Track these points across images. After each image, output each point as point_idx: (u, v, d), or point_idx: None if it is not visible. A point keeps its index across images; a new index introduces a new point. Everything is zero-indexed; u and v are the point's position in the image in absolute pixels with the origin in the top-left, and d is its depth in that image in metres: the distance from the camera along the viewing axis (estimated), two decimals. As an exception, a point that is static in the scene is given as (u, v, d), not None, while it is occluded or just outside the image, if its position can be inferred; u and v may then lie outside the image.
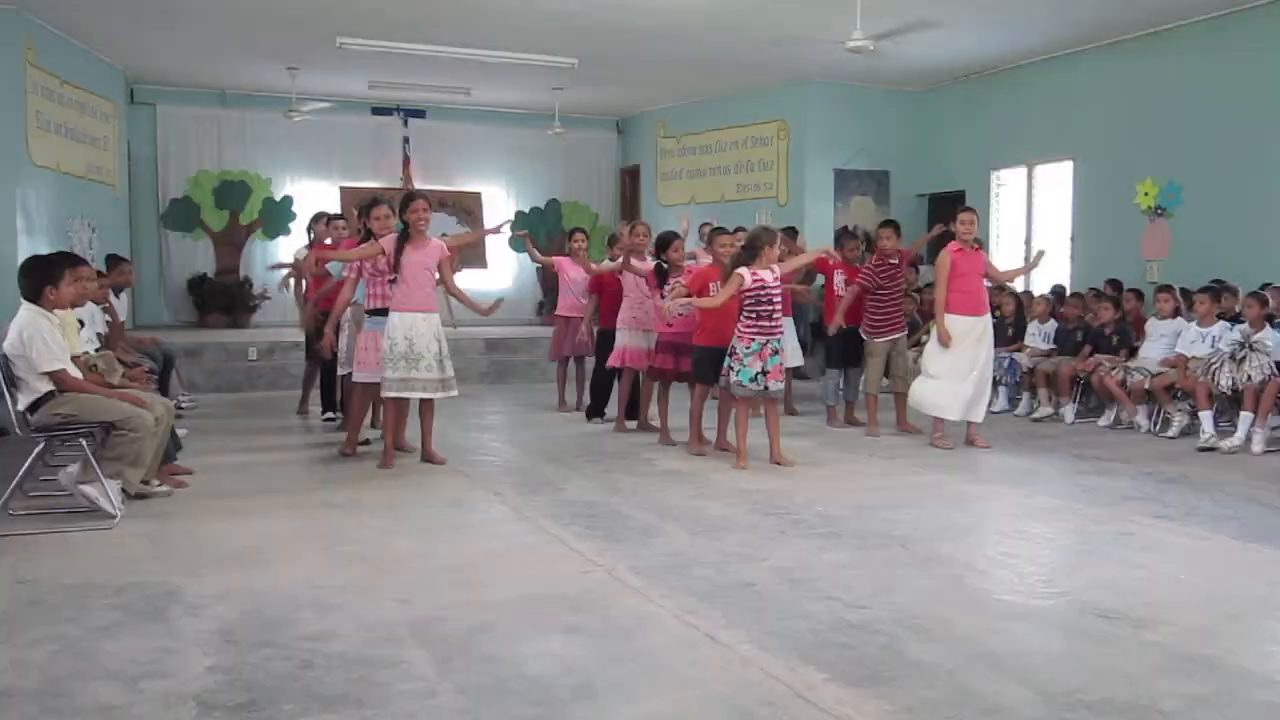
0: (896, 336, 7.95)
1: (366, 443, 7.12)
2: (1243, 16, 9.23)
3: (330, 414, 8.39)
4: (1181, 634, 3.55)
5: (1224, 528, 5.05)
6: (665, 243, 7.62)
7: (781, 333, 6.62)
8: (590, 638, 3.52)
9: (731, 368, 6.50)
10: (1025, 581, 4.23)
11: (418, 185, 14.57)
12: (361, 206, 7.10)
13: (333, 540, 4.78)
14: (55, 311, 5.19)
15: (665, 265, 7.56)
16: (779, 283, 6.59)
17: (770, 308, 6.47)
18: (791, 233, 10.16)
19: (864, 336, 8.05)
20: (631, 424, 8.04)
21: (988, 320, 7.36)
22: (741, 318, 6.53)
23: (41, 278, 5.17)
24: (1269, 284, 8.19)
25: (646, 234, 8.00)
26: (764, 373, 6.45)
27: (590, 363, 8.84)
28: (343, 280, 7.17)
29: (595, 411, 8.56)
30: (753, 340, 6.47)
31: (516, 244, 15.28)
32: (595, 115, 15.41)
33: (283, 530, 4.97)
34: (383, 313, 6.48)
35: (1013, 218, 11.99)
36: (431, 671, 3.21)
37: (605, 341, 8.29)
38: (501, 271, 15.10)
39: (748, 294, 6.47)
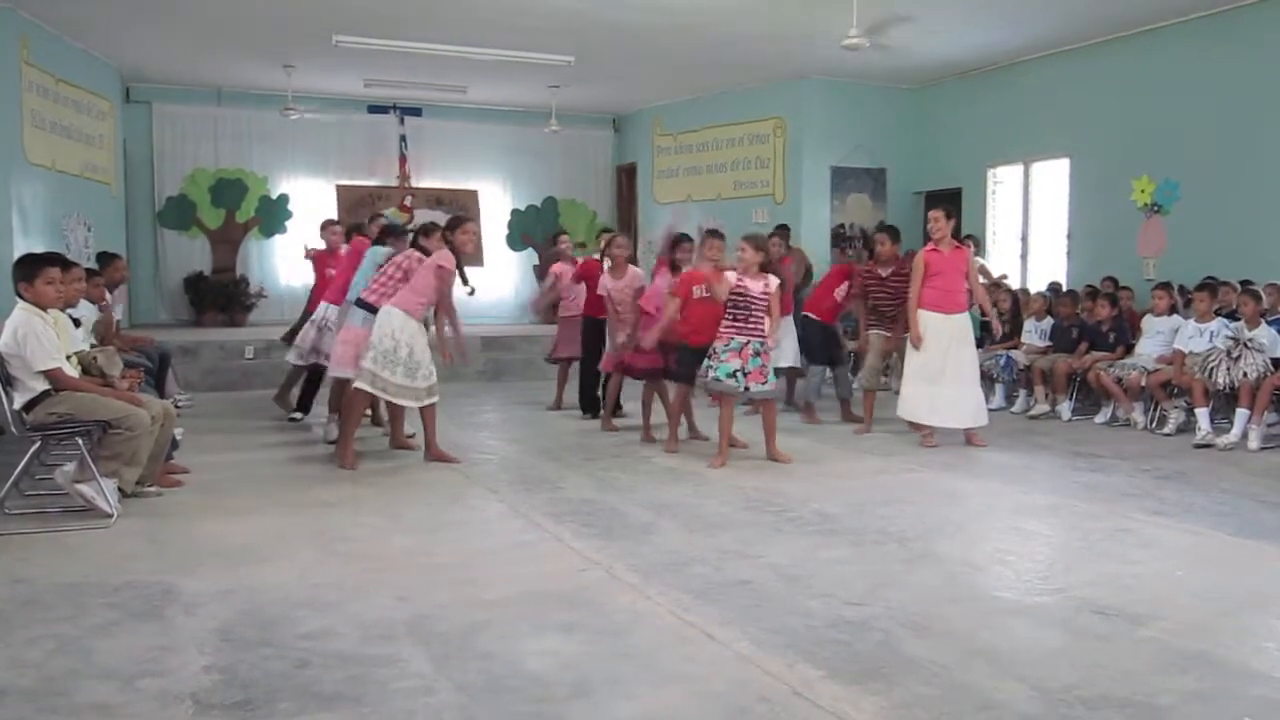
0: (890, 334, 7.98)
1: (331, 443, 7.16)
2: (1239, 14, 9.23)
3: (297, 414, 8.40)
4: (1178, 630, 3.56)
5: (1220, 524, 5.06)
6: (676, 242, 7.65)
7: (763, 337, 6.61)
8: (587, 635, 3.52)
9: (710, 365, 6.54)
10: (1022, 578, 4.24)
11: (415, 184, 14.59)
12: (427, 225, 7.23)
13: (329, 538, 4.78)
14: (49, 311, 5.19)
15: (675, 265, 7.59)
16: (763, 297, 6.58)
17: (746, 313, 6.51)
18: (784, 230, 10.17)
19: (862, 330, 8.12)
20: (619, 422, 8.03)
21: (964, 320, 7.28)
22: (724, 318, 6.59)
23: (19, 275, 5.19)
24: (1249, 281, 8.20)
25: (625, 246, 8.18)
26: (744, 373, 6.47)
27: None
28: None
29: (591, 408, 8.56)
30: (731, 339, 6.52)
31: (514, 243, 15.33)
32: (592, 113, 15.40)
33: (279, 528, 4.97)
34: (373, 309, 6.48)
35: (1009, 215, 12.00)
36: (429, 669, 3.20)
37: (594, 334, 8.31)
38: (498, 271, 15.09)
39: (732, 294, 6.54)
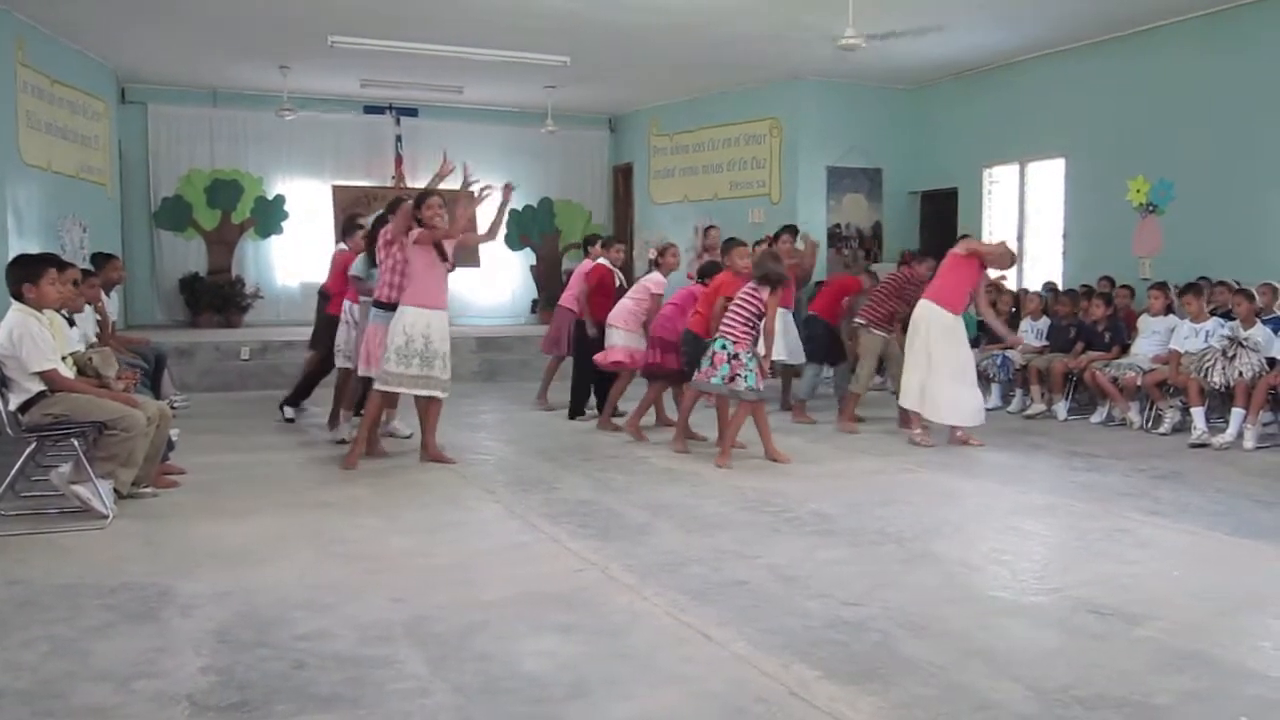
0: (889, 336, 8.00)
1: (342, 441, 7.16)
2: (1234, 14, 9.25)
3: (290, 415, 8.36)
4: (1174, 629, 3.56)
5: (1216, 524, 5.07)
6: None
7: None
8: (584, 636, 3.52)
9: (740, 375, 6.53)
10: (1018, 578, 4.24)
11: (410, 184, 14.56)
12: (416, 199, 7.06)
13: (326, 539, 4.77)
14: (44, 311, 5.18)
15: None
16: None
17: (756, 320, 6.61)
18: (792, 231, 10.18)
19: (857, 325, 8.11)
20: (619, 420, 8.03)
21: (960, 322, 7.31)
22: (735, 324, 6.59)
23: (21, 275, 5.17)
24: (1239, 281, 8.21)
25: (677, 254, 8.25)
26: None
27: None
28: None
29: (577, 411, 8.53)
30: (748, 345, 6.56)
31: (512, 243, 15.30)
32: (588, 113, 15.39)
33: (276, 530, 4.96)
34: (392, 307, 6.45)
35: (1005, 215, 12.01)
36: (425, 670, 3.20)
37: (584, 337, 8.29)
38: (496, 270, 15.07)
39: (753, 299, 6.59)
